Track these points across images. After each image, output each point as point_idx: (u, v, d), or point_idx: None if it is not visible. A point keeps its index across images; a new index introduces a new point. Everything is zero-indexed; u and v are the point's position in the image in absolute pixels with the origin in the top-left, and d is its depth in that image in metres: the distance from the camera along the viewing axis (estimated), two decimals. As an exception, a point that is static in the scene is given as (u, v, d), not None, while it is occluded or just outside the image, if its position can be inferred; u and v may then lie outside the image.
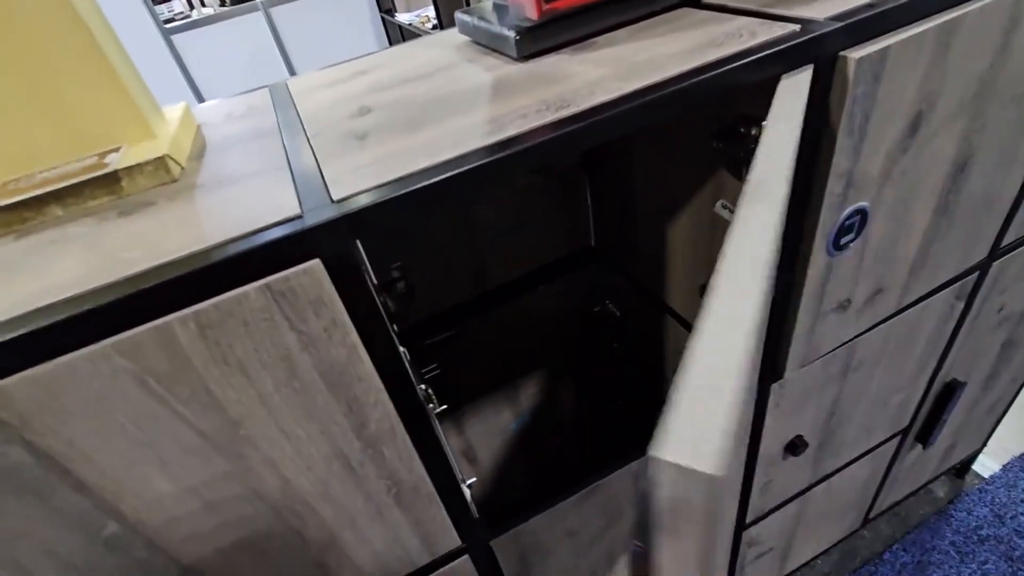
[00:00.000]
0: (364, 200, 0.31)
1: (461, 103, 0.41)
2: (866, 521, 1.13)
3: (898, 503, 1.19)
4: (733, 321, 0.27)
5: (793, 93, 0.39)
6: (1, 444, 0.29)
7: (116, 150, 0.39)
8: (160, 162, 0.38)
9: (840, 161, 0.44)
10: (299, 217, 0.31)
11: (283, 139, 0.42)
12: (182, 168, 0.41)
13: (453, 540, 0.51)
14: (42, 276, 0.31)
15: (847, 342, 0.64)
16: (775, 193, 0.32)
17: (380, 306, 0.34)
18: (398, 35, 2.56)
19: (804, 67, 0.39)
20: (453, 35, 0.58)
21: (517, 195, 0.83)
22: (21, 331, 0.27)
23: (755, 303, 0.27)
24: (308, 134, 0.42)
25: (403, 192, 0.31)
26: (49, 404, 0.29)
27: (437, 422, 0.46)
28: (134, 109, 0.40)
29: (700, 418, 0.23)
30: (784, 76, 0.39)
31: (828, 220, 0.48)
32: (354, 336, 0.35)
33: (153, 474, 0.34)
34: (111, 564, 0.36)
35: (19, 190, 0.37)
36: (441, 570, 0.53)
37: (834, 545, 1.15)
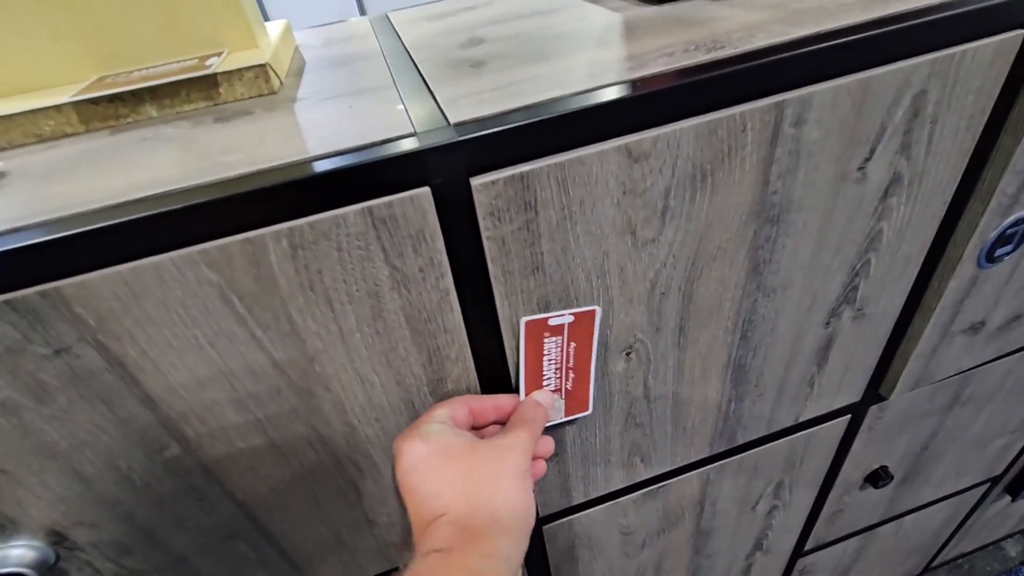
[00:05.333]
0: (489, 126, 0.27)
1: (589, 39, 0.36)
2: (927, 569, 1.04)
3: (965, 555, 1.09)
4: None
5: (984, 65, 0.33)
6: (76, 343, 0.27)
7: (218, 54, 0.37)
8: (261, 70, 0.36)
9: (1022, 156, 0.37)
10: (412, 135, 0.28)
11: (387, 62, 0.39)
12: (281, 82, 0.38)
13: (505, 518, 0.48)
14: (133, 170, 0.29)
15: (965, 371, 0.56)
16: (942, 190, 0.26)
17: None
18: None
19: (1007, 32, 0.32)
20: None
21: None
22: (108, 222, 0.25)
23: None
24: (415, 59, 0.38)
25: (535, 120, 0.27)
26: (129, 307, 0.26)
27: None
28: (240, 13, 0.37)
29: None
30: (976, 42, 0.33)
31: (989, 225, 0.41)
32: (449, 281, 0.31)
33: (221, 399, 0.32)
34: (168, 486, 0.34)
35: (116, 83, 0.35)
36: (487, 547, 0.50)
37: (885, 588, 1.06)
